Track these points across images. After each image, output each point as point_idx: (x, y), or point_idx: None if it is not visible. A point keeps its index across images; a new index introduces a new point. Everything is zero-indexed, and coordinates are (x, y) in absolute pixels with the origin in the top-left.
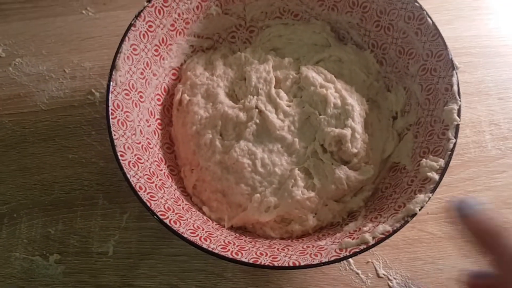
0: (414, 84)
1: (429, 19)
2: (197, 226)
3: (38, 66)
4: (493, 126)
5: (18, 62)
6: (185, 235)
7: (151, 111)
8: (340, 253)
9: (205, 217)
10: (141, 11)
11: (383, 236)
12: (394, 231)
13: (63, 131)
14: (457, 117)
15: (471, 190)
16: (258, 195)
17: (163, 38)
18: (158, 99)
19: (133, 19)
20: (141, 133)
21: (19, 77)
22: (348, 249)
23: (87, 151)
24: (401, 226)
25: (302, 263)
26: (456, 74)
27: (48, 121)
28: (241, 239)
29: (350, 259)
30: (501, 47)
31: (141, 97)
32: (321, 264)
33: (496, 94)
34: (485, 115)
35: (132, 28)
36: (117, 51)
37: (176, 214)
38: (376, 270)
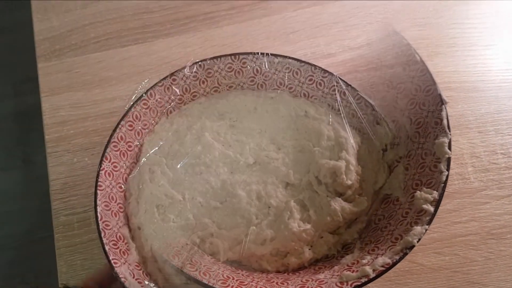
0: (403, 117)
1: (417, 55)
2: (194, 260)
3: None
4: (475, 158)
5: None
6: (185, 270)
7: None
8: (342, 287)
9: (200, 251)
10: None
11: (383, 268)
12: (394, 264)
13: None
14: (448, 150)
15: (457, 221)
16: (254, 227)
17: None
18: None
19: None
20: None
21: None
22: (349, 282)
23: None
24: (400, 259)
25: None
26: (445, 108)
27: None
28: (239, 273)
29: None
30: (478, 82)
31: None
32: None
33: (476, 128)
34: (467, 148)
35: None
36: None
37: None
38: None
